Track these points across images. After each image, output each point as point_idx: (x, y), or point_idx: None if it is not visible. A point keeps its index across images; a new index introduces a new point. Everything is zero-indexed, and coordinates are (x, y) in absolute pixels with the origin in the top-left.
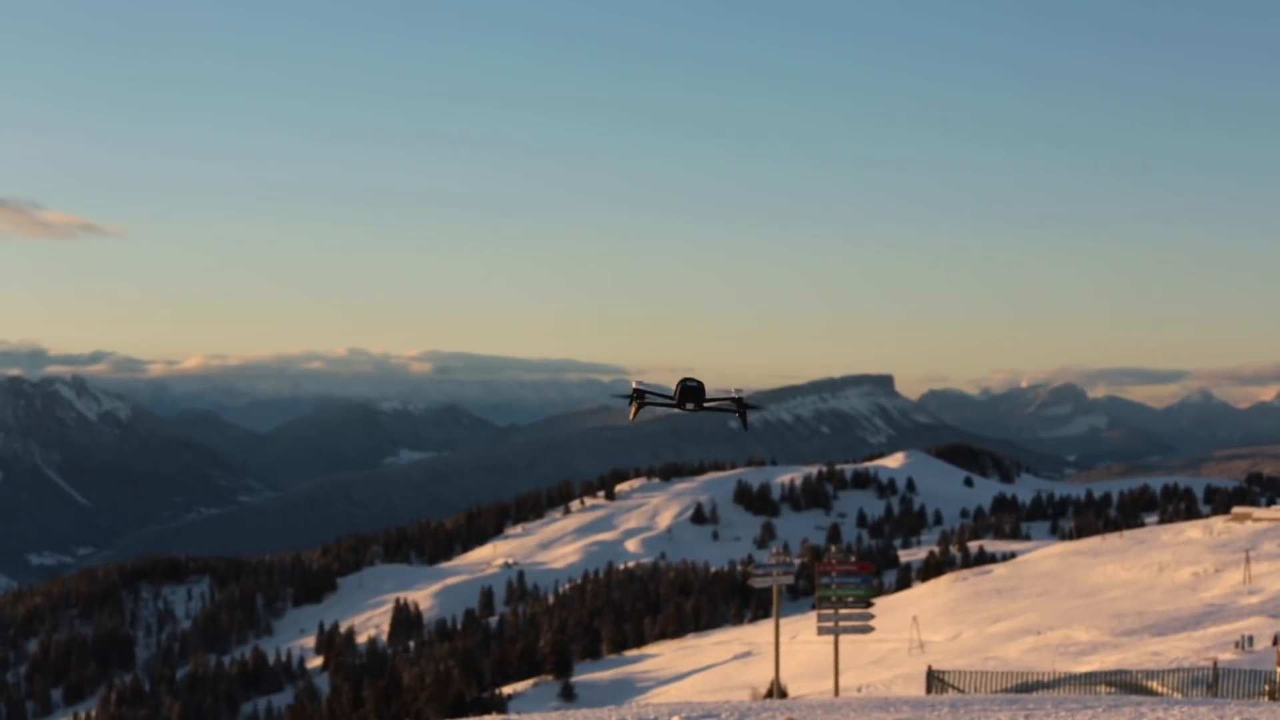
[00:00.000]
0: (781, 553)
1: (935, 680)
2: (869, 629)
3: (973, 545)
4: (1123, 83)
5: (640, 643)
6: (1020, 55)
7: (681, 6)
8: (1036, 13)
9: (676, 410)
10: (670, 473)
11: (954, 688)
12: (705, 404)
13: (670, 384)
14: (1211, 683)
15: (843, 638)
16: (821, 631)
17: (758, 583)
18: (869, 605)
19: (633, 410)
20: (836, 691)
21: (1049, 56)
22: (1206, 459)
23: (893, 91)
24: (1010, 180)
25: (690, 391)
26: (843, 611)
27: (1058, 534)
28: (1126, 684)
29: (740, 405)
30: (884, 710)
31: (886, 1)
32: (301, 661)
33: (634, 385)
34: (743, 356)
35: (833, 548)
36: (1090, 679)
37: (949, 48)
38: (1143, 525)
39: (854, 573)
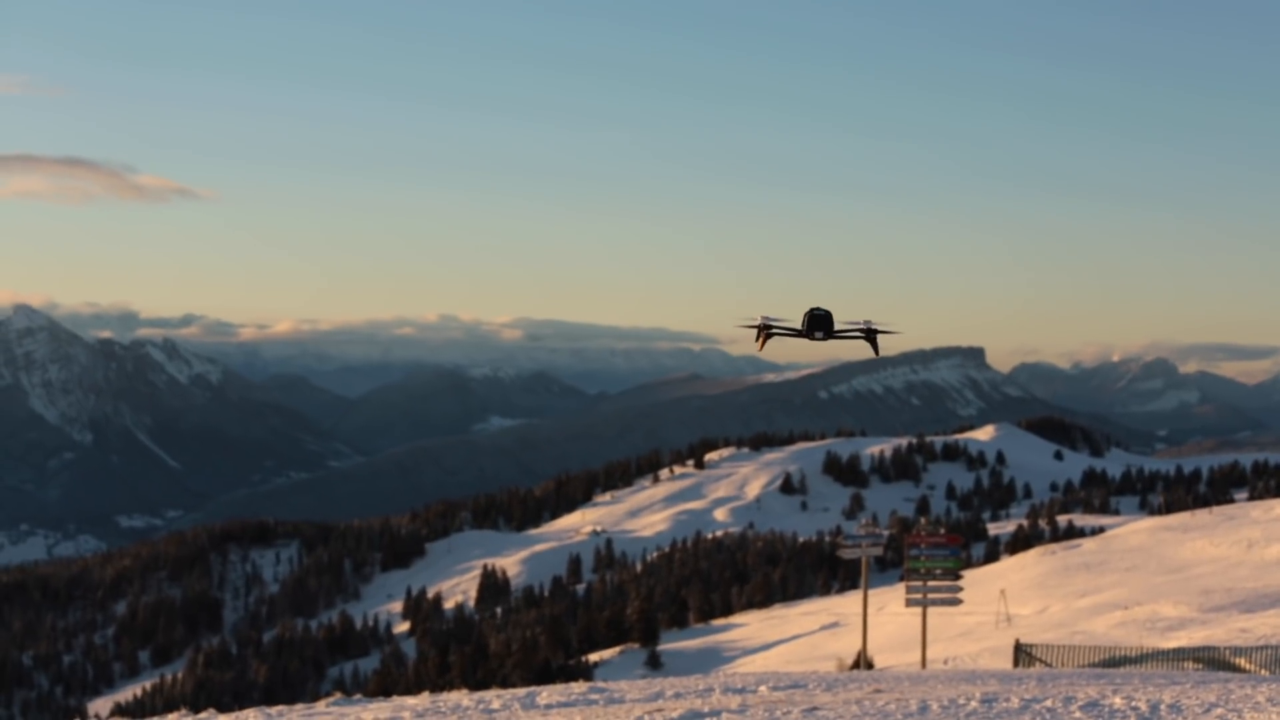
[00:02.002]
0: (870, 524)
1: (1023, 654)
2: (957, 601)
3: (1061, 519)
4: (1218, 58)
5: (727, 612)
6: (1114, 31)
7: None
8: None
9: (805, 339)
10: (760, 442)
11: (1041, 661)
12: (834, 332)
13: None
14: None
15: (930, 610)
16: (910, 603)
17: (846, 554)
18: (957, 578)
19: (760, 342)
20: (924, 664)
21: (1143, 33)
22: None
23: (983, 65)
24: (1104, 155)
25: (818, 320)
26: (931, 584)
27: (1147, 509)
28: (1214, 660)
29: (870, 331)
30: (971, 683)
31: None
32: (388, 626)
33: (761, 318)
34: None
35: (922, 520)
36: (1178, 655)
37: (1041, 25)
38: (1232, 501)
39: (943, 545)
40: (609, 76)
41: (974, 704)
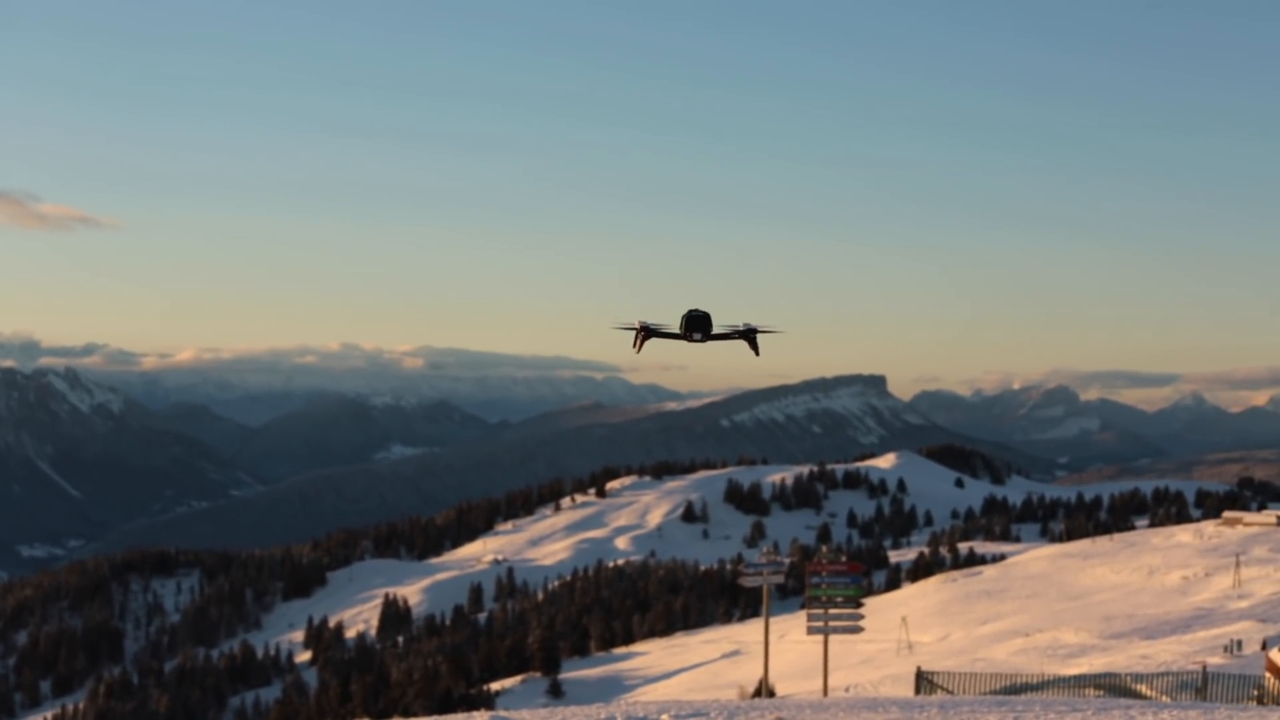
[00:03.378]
0: (771, 552)
1: (924, 681)
2: (859, 629)
3: (963, 546)
4: (1121, 84)
5: (629, 640)
6: (1018, 55)
7: (681, 4)
8: (1032, 12)
9: (684, 341)
10: (661, 471)
11: (943, 689)
12: (712, 334)
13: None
14: (1200, 687)
15: (831, 638)
16: (811, 631)
17: (747, 582)
18: (859, 605)
19: (638, 343)
20: (825, 691)
21: (1047, 57)
22: (1198, 463)
23: (890, 91)
24: (1006, 181)
25: (696, 320)
26: (832, 611)
27: (1048, 536)
28: (1115, 687)
29: (749, 332)
30: (872, 710)
31: (886, 1)
32: (290, 656)
33: (639, 321)
34: (735, 354)
35: (823, 548)
36: (1079, 681)
37: (945, 46)
38: (1133, 528)
39: (844, 573)
40: (513, 105)
41: None
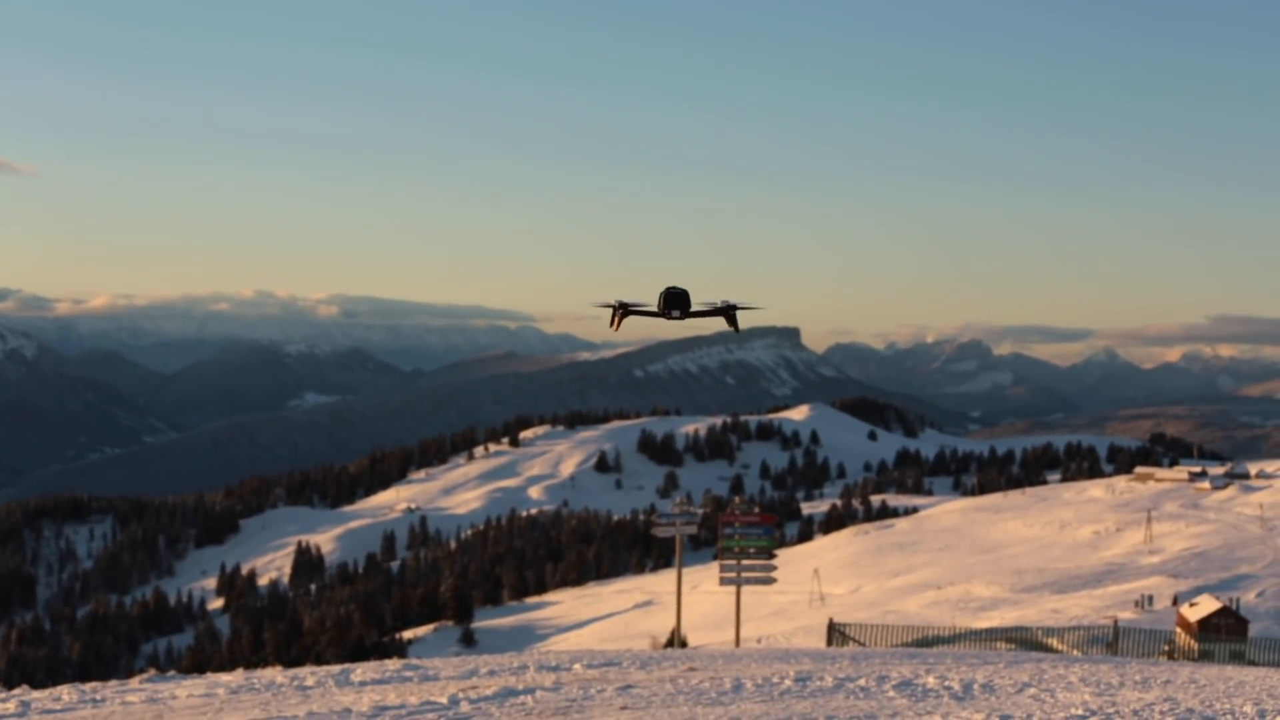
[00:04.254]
0: (684, 503)
1: (835, 633)
2: (771, 580)
3: (875, 499)
4: (1047, 36)
5: (541, 590)
6: (946, 5)
7: None
8: None
9: (662, 319)
10: (575, 421)
11: (854, 640)
12: (691, 311)
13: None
14: (1111, 641)
15: (744, 589)
16: (724, 582)
17: (660, 532)
18: (771, 557)
19: (615, 321)
20: (738, 642)
21: (975, 7)
22: (1110, 418)
23: (813, 41)
24: (925, 134)
25: (674, 298)
26: (745, 563)
27: (960, 490)
28: (1026, 640)
29: (729, 308)
30: (784, 662)
31: None
32: (202, 603)
33: (616, 300)
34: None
35: (736, 499)
36: (990, 635)
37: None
38: (1045, 483)
39: (757, 524)
40: (429, 55)
41: (788, 682)
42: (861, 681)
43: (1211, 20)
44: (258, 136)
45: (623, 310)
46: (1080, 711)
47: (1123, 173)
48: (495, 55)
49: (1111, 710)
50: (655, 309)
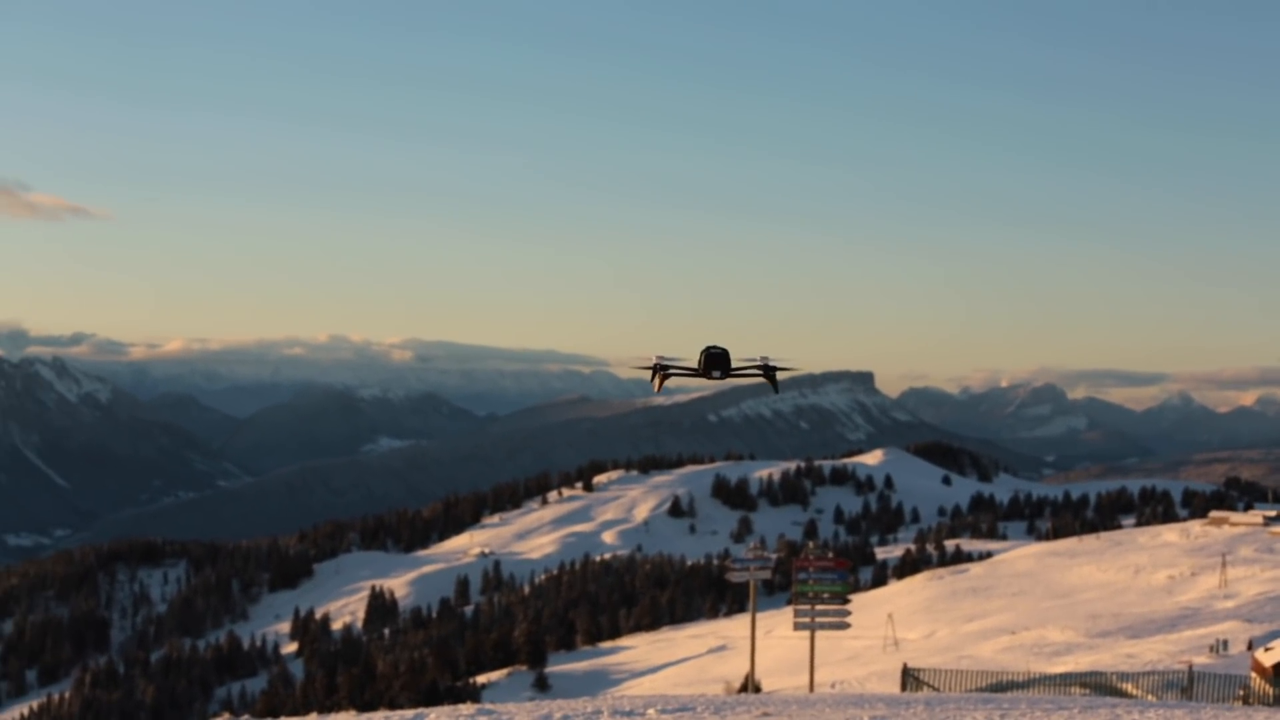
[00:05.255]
0: (758, 547)
1: (910, 678)
2: (845, 625)
3: (949, 544)
4: (1117, 82)
5: (615, 635)
6: (1015, 53)
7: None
8: (1025, 9)
9: (702, 379)
10: (648, 465)
11: (929, 686)
12: (732, 371)
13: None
14: (1186, 686)
15: (818, 634)
16: (798, 627)
17: (734, 577)
18: (845, 602)
19: (657, 382)
20: (811, 687)
21: (1044, 55)
22: (1185, 462)
23: (886, 87)
24: (998, 179)
25: (715, 359)
26: (819, 607)
27: (1034, 534)
28: (1101, 685)
29: (769, 369)
30: (859, 707)
31: None
32: (276, 647)
33: (656, 358)
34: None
35: (810, 544)
36: (1064, 680)
37: (941, 43)
38: (1120, 527)
39: (831, 569)
40: (504, 97)
41: None
42: None
43: None
44: (333, 180)
45: (664, 371)
46: None
47: (1199, 215)
48: (571, 98)
49: None
50: (694, 367)
